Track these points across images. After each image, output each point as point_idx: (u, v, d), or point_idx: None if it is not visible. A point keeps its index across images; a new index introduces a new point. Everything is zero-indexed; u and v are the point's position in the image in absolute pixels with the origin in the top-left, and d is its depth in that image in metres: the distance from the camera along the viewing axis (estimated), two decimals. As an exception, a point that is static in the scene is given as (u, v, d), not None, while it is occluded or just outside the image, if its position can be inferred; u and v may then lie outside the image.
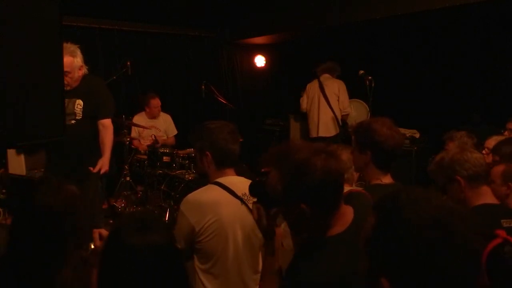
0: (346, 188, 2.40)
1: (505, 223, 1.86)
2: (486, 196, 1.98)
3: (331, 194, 1.33)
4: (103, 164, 3.25)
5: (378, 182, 2.08)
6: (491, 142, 3.29)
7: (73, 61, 3.22)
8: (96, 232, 1.70)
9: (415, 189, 0.96)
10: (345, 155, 2.44)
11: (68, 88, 3.23)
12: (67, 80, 3.19)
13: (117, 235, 1.28)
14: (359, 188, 2.21)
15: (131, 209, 5.41)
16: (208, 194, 2.07)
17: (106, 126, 3.37)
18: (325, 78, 5.80)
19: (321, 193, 1.31)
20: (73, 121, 3.29)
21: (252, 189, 1.50)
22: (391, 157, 2.09)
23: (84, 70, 3.36)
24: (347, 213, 1.40)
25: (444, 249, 0.86)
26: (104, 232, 1.70)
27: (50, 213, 1.54)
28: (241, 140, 2.22)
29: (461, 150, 2.06)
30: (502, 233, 1.55)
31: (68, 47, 3.18)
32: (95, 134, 3.35)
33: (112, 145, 3.38)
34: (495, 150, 2.84)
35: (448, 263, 0.86)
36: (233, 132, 2.15)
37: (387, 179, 2.10)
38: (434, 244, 0.86)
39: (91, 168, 3.22)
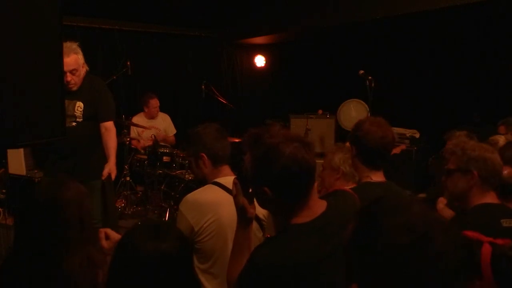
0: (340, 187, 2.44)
1: (505, 222, 1.86)
2: (488, 197, 1.98)
3: (296, 182, 1.34)
4: (111, 168, 3.19)
5: (368, 180, 2.08)
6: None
7: (78, 58, 3.18)
8: (102, 232, 1.71)
9: (399, 195, 0.96)
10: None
11: (75, 87, 3.19)
12: (74, 79, 3.16)
13: (130, 240, 1.30)
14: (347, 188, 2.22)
15: (131, 209, 5.42)
16: (207, 194, 2.08)
17: (109, 128, 3.32)
18: None
19: (284, 180, 1.33)
20: (74, 123, 3.24)
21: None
22: (376, 154, 2.07)
23: (86, 67, 3.33)
24: (317, 206, 1.40)
25: (419, 259, 0.84)
26: (110, 231, 1.71)
27: (53, 201, 1.56)
28: (234, 140, 2.25)
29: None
30: (481, 236, 1.53)
31: (70, 45, 3.15)
32: (97, 136, 3.32)
33: (116, 147, 3.32)
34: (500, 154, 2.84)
35: (423, 274, 0.83)
36: (219, 130, 2.20)
37: (377, 177, 2.08)
38: (408, 252, 0.84)
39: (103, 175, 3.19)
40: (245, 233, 1.51)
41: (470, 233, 1.45)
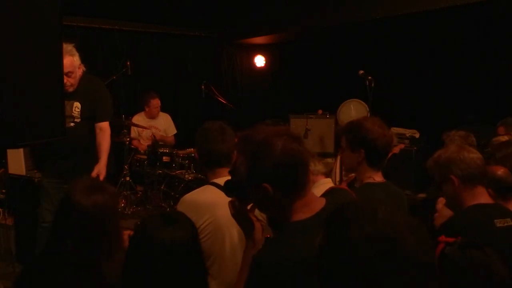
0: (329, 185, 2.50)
1: (498, 222, 1.86)
2: (481, 196, 1.98)
3: (293, 174, 1.33)
4: (100, 169, 3.17)
5: (371, 180, 2.08)
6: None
7: (73, 60, 3.18)
8: (125, 234, 1.72)
9: (398, 195, 0.95)
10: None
11: (71, 89, 3.20)
12: (70, 81, 3.16)
13: (144, 229, 1.32)
14: (342, 186, 2.24)
15: (131, 209, 5.42)
16: (204, 194, 2.07)
17: (104, 129, 3.32)
18: None
19: (283, 172, 1.31)
20: (72, 124, 3.24)
21: (226, 188, 1.50)
22: (383, 155, 2.10)
23: (83, 68, 3.32)
24: (316, 202, 1.39)
25: (391, 264, 0.82)
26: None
27: (99, 209, 1.55)
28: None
29: (458, 149, 2.05)
30: (441, 238, 1.55)
31: (65, 47, 3.13)
32: (95, 137, 3.32)
33: (109, 149, 3.31)
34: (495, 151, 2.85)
35: (397, 279, 0.82)
36: (217, 131, 2.13)
37: (379, 177, 2.10)
38: (380, 260, 0.82)
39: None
40: (254, 250, 1.48)
41: (441, 238, 1.47)
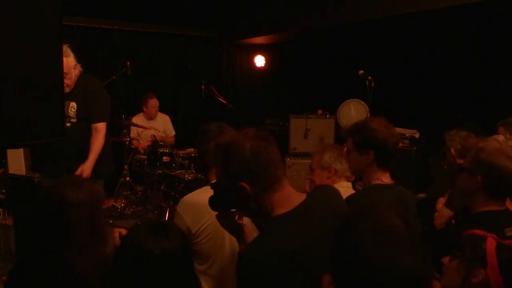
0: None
1: (509, 231, 1.77)
2: (493, 203, 1.90)
3: (265, 168, 1.37)
4: (85, 169, 3.16)
5: (379, 182, 2.04)
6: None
7: (67, 61, 3.16)
8: (116, 231, 1.72)
9: (405, 196, 1.01)
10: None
11: (67, 89, 3.20)
12: (65, 82, 3.16)
13: (132, 239, 1.31)
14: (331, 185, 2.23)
15: (131, 209, 5.42)
16: (204, 196, 2.05)
17: (99, 130, 3.31)
18: None
19: (255, 168, 1.36)
20: (68, 124, 3.23)
21: (210, 203, 1.53)
22: (391, 156, 2.06)
23: (79, 68, 3.31)
24: (295, 197, 1.42)
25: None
26: (124, 231, 1.72)
27: (62, 203, 1.57)
28: None
29: (502, 156, 1.88)
30: (484, 232, 1.53)
31: None
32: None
33: (100, 150, 3.30)
34: None
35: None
36: (214, 130, 2.14)
37: (387, 179, 2.07)
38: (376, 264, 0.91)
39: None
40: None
41: (475, 231, 1.49)
